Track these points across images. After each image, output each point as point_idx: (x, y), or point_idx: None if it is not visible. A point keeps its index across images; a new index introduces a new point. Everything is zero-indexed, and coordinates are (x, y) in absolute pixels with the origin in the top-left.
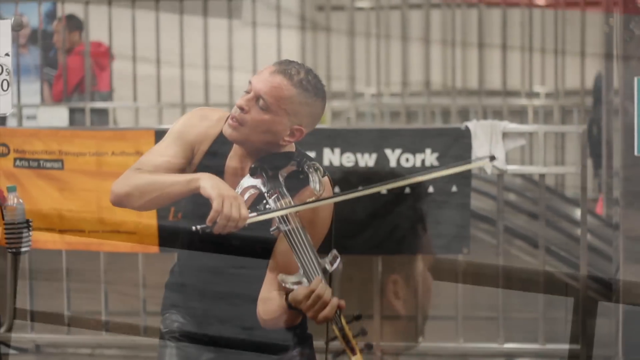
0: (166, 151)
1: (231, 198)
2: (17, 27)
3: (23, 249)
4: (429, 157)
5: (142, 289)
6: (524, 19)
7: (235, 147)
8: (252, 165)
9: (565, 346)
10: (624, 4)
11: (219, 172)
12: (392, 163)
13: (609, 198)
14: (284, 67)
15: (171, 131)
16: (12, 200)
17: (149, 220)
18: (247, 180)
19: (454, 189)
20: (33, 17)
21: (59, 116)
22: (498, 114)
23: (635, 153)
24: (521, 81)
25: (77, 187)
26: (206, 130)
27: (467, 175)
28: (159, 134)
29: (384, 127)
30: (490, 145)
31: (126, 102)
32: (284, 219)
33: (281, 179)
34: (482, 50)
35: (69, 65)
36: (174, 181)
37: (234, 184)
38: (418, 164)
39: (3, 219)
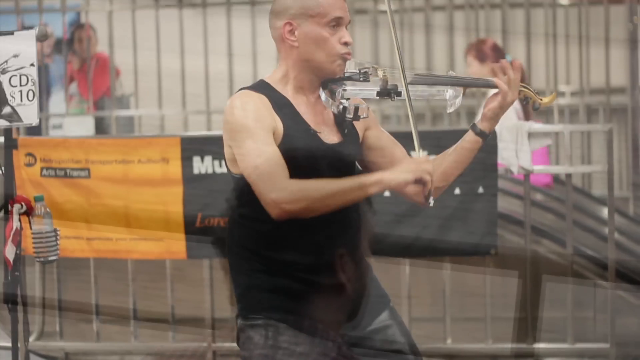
0: (274, 147)
1: (413, 165)
2: (42, 38)
3: (51, 258)
4: None
5: (170, 294)
6: (547, 18)
7: (296, 99)
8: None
9: (595, 345)
10: None
11: (308, 135)
12: None
13: (637, 196)
14: None
15: (249, 126)
16: (39, 209)
17: (177, 226)
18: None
19: (481, 189)
20: (57, 27)
21: (84, 125)
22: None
23: None
24: (546, 80)
25: (104, 195)
26: (269, 110)
27: (493, 176)
28: (185, 141)
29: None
30: (516, 145)
31: (151, 110)
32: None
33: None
34: (507, 50)
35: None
36: (350, 188)
37: (323, 119)
38: None
39: (31, 228)
